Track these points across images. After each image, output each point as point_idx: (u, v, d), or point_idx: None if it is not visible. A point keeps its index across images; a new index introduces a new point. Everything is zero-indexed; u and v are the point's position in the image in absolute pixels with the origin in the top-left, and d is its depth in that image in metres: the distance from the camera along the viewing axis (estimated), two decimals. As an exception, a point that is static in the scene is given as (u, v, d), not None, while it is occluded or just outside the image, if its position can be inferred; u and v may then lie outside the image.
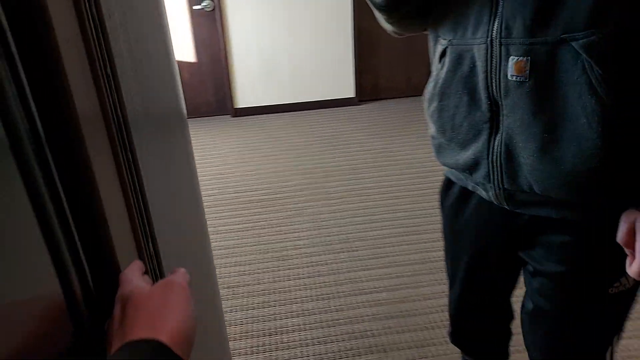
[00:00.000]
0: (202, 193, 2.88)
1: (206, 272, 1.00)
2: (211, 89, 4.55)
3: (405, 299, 1.92)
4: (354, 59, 4.52)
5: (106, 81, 0.45)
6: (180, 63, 4.38)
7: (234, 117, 4.56)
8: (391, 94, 4.85)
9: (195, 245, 0.94)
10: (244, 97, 4.54)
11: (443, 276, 2.03)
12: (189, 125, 0.98)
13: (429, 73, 0.90)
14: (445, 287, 1.86)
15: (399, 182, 2.95)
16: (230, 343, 1.73)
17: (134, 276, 0.46)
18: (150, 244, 0.55)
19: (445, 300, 1.83)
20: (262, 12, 4.26)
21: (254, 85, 4.49)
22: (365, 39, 4.50)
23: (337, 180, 3.03)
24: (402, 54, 4.66)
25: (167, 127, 0.79)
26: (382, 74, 4.77)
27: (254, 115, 4.56)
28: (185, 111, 0.95)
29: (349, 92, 4.65)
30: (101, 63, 0.44)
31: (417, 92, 4.83)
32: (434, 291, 1.96)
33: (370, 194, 2.83)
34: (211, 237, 2.40)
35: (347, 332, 1.77)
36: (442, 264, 2.09)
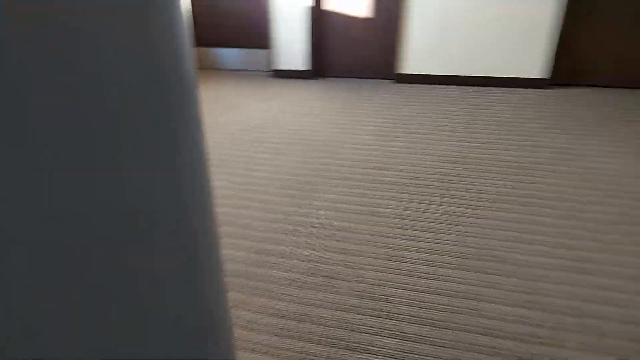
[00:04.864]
0: (331, 163, 2.59)
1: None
2: (379, 49, 4.18)
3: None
4: (557, 31, 3.62)
5: None
6: (354, 18, 4.08)
7: (396, 82, 4.13)
8: (595, 81, 3.81)
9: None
10: (411, 63, 4.06)
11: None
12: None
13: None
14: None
15: (578, 199, 2.22)
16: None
17: None
18: None
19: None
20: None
21: (423, 50, 3.96)
22: (577, 3, 3.53)
23: (490, 179, 2.43)
24: (623, 29, 3.56)
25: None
26: (587, 53, 3.75)
27: (417, 83, 4.07)
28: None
29: (539, 71, 3.78)
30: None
31: (636, 83, 3.71)
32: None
33: (533, 205, 2.18)
34: (327, 212, 2.12)
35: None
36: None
